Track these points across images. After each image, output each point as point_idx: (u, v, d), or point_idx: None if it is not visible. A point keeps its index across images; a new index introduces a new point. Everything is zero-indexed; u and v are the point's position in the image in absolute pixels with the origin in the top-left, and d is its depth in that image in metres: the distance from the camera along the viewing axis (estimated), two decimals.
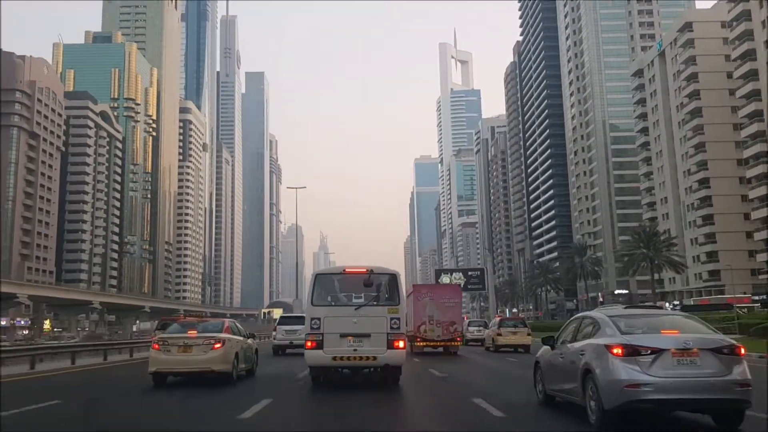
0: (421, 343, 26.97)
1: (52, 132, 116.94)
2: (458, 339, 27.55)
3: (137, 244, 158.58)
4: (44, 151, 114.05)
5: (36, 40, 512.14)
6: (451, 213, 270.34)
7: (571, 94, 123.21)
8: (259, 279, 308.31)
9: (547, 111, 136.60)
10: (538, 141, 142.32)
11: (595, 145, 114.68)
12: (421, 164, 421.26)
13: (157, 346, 13.76)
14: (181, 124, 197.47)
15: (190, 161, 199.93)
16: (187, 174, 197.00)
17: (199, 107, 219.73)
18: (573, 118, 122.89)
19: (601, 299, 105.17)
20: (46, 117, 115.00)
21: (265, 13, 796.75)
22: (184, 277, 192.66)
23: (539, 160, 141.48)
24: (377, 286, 12.36)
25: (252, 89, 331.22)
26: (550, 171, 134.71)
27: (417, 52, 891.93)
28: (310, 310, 12.17)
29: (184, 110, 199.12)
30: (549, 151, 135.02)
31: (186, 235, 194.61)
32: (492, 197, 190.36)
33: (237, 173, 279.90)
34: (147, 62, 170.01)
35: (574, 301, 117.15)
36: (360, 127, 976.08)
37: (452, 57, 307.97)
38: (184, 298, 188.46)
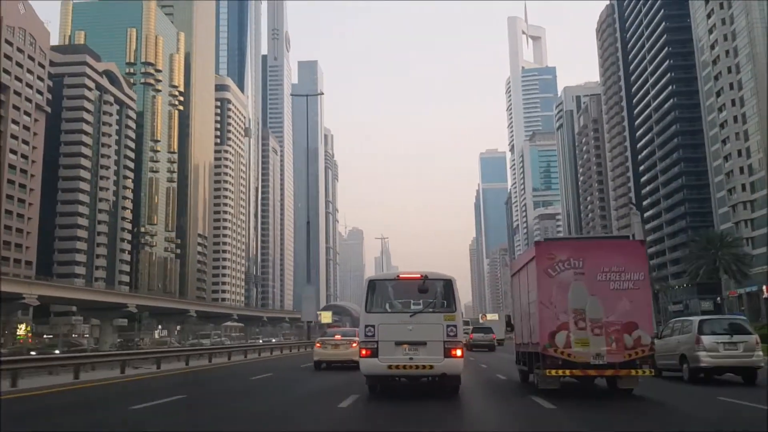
0: (561, 372, 11.97)
1: (29, 86, 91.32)
2: (644, 359, 11.95)
3: (159, 236, 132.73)
4: (16, 108, 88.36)
5: None
6: (525, 205, 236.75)
7: (711, 25, 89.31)
8: (314, 281, 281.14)
9: (668, 58, 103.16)
10: (653, 96, 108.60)
11: (756, 94, 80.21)
12: (487, 159, 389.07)
13: (319, 345, 22.02)
14: (218, 103, 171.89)
15: (229, 145, 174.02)
16: (226, 159, 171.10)
17: (241, 89, 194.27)
18: (714, 62, 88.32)
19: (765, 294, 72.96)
20: (20, 66, 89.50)
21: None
22: (223, 276, 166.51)
23: (655, 122, 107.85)
24: (432, 292, 12.14)
25: (305, 79, 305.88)
26: (675, 139, 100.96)
27: (482, 33, 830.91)
28: (364, 318, 11.91)
29: (221, 87, 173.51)
30: (673, 113, 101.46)
31: (225, 228, 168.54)
32: (581, 177, 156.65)
33: (287, 166, 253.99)
34: (172, 26, 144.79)
35: (716, 299, 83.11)
36: (421, 123, 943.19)
37: (523, 32, 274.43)
38: (224, 299, 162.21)
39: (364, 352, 11.70)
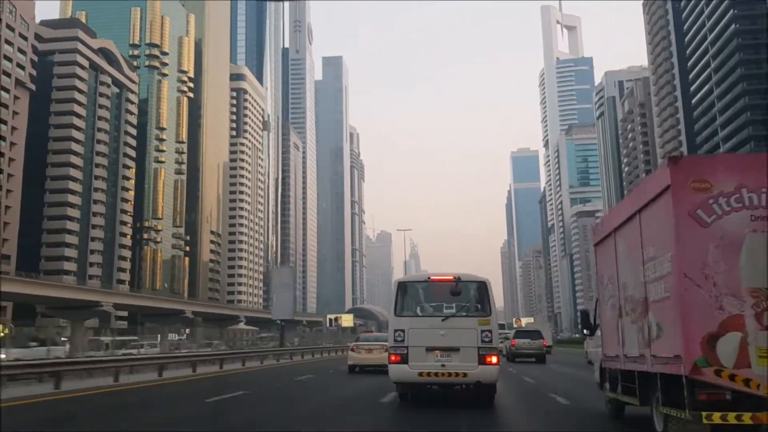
0: (729, 417, 6.48)
1: (8, 59, 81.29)
2: None
3: (166, 232, 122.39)
4: None
5: None
6: (561, 203, 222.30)
7: None
8: (339, 284, 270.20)
9: (733, 22, 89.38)
10: (714, 68, 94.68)
11: None
12: (519, 158, 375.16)
13: (353, 349, 23.29)
14: (234, 94, 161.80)
15: (246, 137, 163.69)
16: (242, 153, 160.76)
17: (260, 81, 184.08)
18: None
19: None
20: None
21: None
22: (239, 276, 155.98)
23: (717, 97, 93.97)
24: (466, 295, 11.46)
25: (329, 75, 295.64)
26: (743, 115, 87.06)
27: (514, 26, 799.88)
28: (393, 322, 11.40)
29: (237, 77, 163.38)
30: (740, 85, 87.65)
31: (241, 225, 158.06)
32: (625, 168, 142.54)
33: (310, 164, 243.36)
34: (182, 7, 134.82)
35: None
36: (450, 122, 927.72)
37: (557, 22, 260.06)
38: (239, 301, 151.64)
39: (393, 357, 11.23)
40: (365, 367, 22.69)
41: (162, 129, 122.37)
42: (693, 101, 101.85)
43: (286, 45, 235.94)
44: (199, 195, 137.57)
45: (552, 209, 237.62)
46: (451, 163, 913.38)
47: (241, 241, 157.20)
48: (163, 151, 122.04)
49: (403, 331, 11.07)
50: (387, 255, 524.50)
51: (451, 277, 11.40)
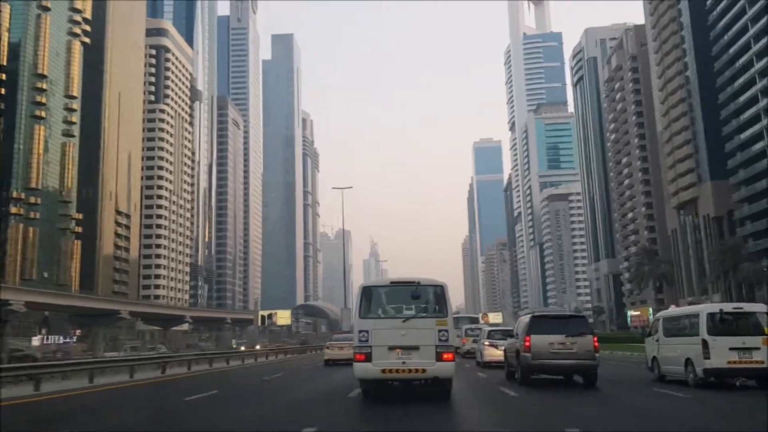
0: None
1: None
2: None
3: (49, 208, 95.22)
4: None
5: None
6: (529, 188, 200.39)
7: None
8: (290, 280, 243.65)
9: None
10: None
11: None
12: (482, 148, 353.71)
13: (328, 347, 29.20)
14: (153, 51, 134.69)
15: (167, 104, 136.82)
16: (162, 122, 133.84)
17: (190, 44, 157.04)
18: None
19: None
20: None
21: None
22: (157, 268, 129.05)
23: (754, 37, 71.56)
24: (424, 297, 12.07)
25: (279, 55, 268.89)
26: None
27: (479, 6, 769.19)
28: (358, 323, 11.90)
29: (157, 32, 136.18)
30: None
31: (160, 207, 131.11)
32: (611, 137, 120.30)
33: (254, 146, 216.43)
34: None
35: None
36: (410, 116, 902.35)
37: None
38: (157, 297, 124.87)
39: (358, 356, 11.71)
40: (337, 361, 26.38)
41: (42, 76, 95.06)
42: (712, 50, 79.40)
43: (227, 13, 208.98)
44: (100, 167, 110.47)
45: (519, 196, 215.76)
46: (412, 160, 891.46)
47: (159, 226, 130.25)
48: (41, 104, 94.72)
49: (367, 331, 11.58)
50: (346, 252, 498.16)
51: (412, 282, 11.96)
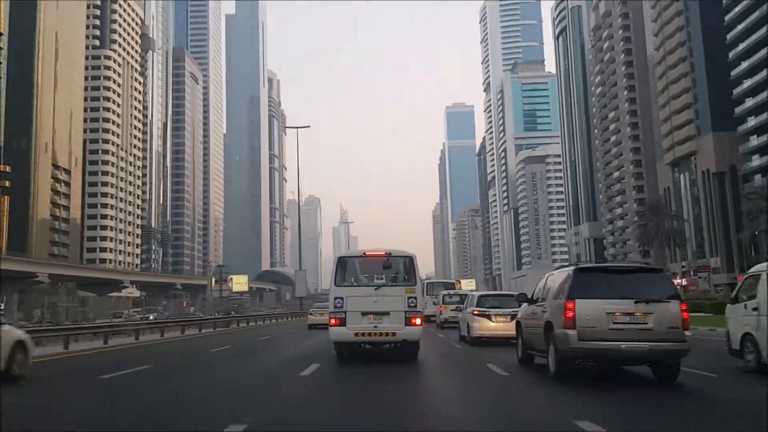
0: None
1: None
2: None
3: None
4: None
5: None
6: (504, 151, 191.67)
7: None
8: (255, 246, 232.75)
9: None
10: None
11: None
12: (454, 113, 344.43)
13: (311, 314, 31.92)
14: None
15: (114, 50, 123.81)
16: (108, 69, 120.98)
17: None
18: None
19: None
20: None
21: None
22: (103, 229, 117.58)
23: None
24: (395, 267, 12.71)
25: (243, 10, 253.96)
26: None
27: None
28: (333, 291, 12.40)
29: None
30: None
31: (106, 163, 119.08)
32: (596, 91, 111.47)
33: (214, 103, 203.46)
34: None
35: None
36: (380, 82, 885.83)
37: None
38: (103, 261, 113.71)
39: (333, 321, 12.29)
40: (317, 325, 28.67)
41: None
42: None
43: None
44: (34, 115, 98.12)
45: (494, 160, 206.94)
46: (383, 127, 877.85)
47: (106, 184, 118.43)
48: None
49: (342, 298, 12.22)
50: (314, 220, 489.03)
51: (383, 253, 12.58)
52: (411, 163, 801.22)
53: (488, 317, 17.45)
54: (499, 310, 17.50)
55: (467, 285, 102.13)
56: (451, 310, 26.55)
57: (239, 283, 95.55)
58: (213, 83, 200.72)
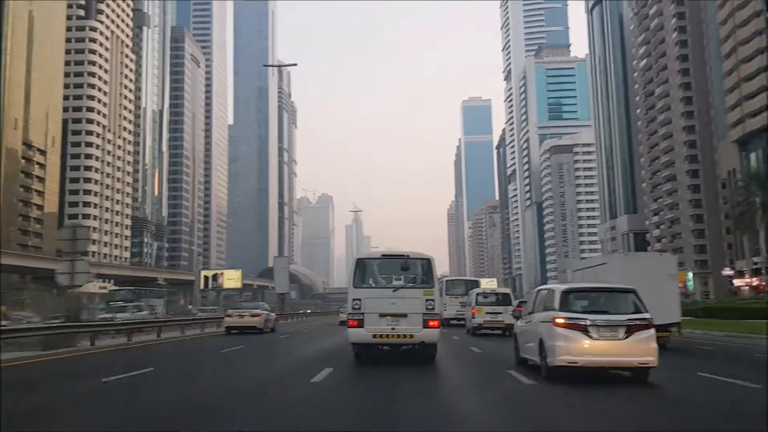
0: None
1: None
2: None
3: None
4: None
5: None
6: (526, 142, 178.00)
7: None
8: (261, 242, 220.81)
9: None
10: None
11: None
12: (471, 107, 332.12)
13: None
14: None
15: (101, 22, 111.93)
16: (93, 42, 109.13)
17: None
18: None
19: None
20: None
21: None
22: (86, 218, 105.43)
23: None
24: (413, 269, 12.61)
25: None
26: None
27: None
28: (352, 292, 12.40)
29: None
30: None
31: (90, 145, 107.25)
32: (642, 60, 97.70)
33: (219, 91, 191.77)
34: None
35: None
36: (395, 76, 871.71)
37: None
38: (85, 253, 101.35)
39: (351, 322, 12.28)
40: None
41: None
42: None
43: None
44: (1, 85, 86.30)
45: (514, 152, 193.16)
46: (397, 125, 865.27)
47: (89, 168, 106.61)
48: None
49: (360, 300, 12.22)
50: (326, 218, 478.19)
51: (402, 255, 12.66)
52: (426, 160, 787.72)
53: (583, 330, 9.71)
54: (604, 318, 9.88)
55: (487, 284, 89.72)
56: (487, 313, 23.70)
57: (231, 279, 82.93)
58: (217, 69, 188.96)
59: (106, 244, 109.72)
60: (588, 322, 9.63)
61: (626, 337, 9.57)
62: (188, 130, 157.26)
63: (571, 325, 9.66)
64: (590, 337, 9.57)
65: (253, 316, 27.05)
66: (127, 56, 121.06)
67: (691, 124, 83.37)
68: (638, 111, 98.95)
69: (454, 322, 29.23)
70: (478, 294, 24.68)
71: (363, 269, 12.66)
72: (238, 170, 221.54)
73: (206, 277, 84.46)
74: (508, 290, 27.89)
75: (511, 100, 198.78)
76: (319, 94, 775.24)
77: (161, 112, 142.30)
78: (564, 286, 10.87)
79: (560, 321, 9.82)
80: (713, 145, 79.96)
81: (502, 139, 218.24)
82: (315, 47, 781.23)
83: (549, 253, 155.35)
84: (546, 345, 10.11)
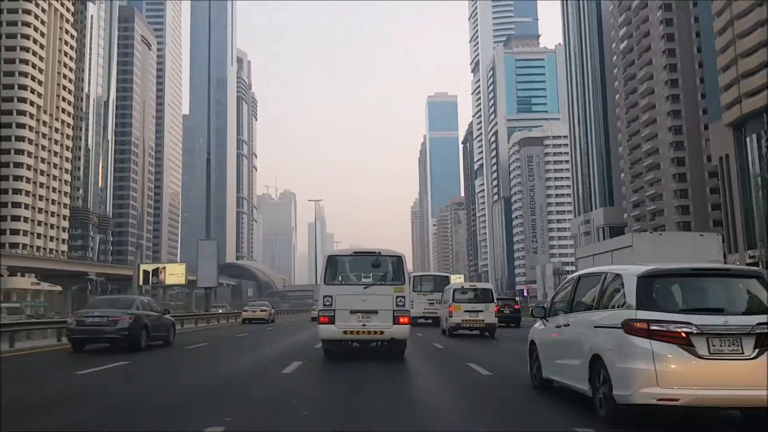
0: None
1: None
2: None
3: None
4: None
5: None
6: (494, 135, 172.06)
7: None
8: (218, 237, 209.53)
9: None
10: None
11: None
12: (436, 103, 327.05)
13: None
14: None
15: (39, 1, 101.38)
16: (27, 13, 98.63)
17: None
18: None
19: None
20: None
21: None
22: (16, 206, 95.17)
23: None
24: (384, 267, 12.50)
25: None
26: None
27: None
28: (323, 289, 12.29)
29: None
30: None
31: (22, 126, 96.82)
32: (624, 42, 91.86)
33: (172, 76, 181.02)
34: None
35: None
36: (359, 72, 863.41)
37: None
38: (15, 245, 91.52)
39: (322, 319, 12.05)
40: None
41: None
42: None
43: None
44: None
45: (482, 145, 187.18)
46: (361, 122, 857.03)
47: (21, 152, 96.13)
48: None
49: (331, 296, 11.97)
50: (288, 215, 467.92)
51: (372, 252, 12.44)
52: (393, 159, 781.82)
53: (685, 342, 5.48)
54: (718, 321, 5.54)
55: (455, 280, 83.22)
56: (466, 311, 21.19)
57: (174, 274, 73.68)
58: (170, 53, 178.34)
59: (39, 235, 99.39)
60: (692, 329, 5.42)
61: (757, 355, 5.35)
62: (137, 116, 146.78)
63: (663, 334, 5.48)
64: (696, 354, 5.40)
65: (261, 311, 37.26)
66: (67, 32, 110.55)
67: (676, 108, 77.65)
68: (617, 97, 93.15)
69: (422, 320, 27.82)
70: (455, 290, 22.14)
71: (334, 266, 12.54)
72: (194, 162, 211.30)
73: (146, 272, 75.16)
74: (489, 285, 25.09)
75: (478, 93, 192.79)
76: (286, 91, 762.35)
77: (107, 95, 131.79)
78: (643, 268, 6.11)
79: (641, 326, 5.60)
80: (701, 131, 74.37)
81: (469, 133, 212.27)
82: (288, 44, 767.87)
83: (517, 249, 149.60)
84: (611, 367, 5.86)
